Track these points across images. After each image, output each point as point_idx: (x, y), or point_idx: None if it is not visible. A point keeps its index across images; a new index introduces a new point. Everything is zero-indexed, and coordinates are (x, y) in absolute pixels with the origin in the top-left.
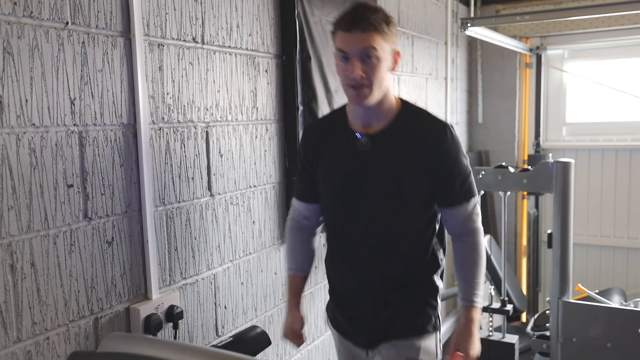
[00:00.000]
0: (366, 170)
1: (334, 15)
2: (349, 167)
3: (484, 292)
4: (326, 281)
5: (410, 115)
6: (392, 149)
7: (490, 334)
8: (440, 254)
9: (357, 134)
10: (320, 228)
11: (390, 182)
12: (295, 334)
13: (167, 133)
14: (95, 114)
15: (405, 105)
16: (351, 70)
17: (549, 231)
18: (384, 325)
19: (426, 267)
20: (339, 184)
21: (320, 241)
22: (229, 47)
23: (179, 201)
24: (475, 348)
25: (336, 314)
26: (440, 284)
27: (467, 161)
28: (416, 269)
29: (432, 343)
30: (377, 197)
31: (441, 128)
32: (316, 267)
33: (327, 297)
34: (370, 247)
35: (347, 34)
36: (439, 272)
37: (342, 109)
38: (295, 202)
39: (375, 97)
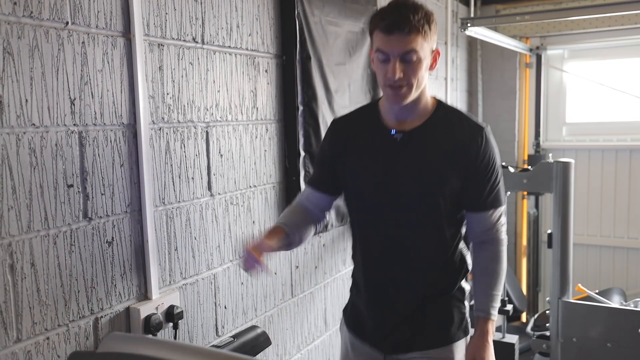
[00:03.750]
0: (398, 166)
1: (334, 15)
2: (381, 163)
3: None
4: (326, 281)
5: (446, 115)
6: (425, 146)
7: None
8: (468, 258)
9: (393, 130)
10: (320, 222)
11: (422, 179)
12: (256, 251)
13: (167, 133)
14: (95, 114)
15: (440, 104)
16: (391, 72)
17: (549, 231)
18: (413, 331)
19: (456, 271)
20: (368, 182)
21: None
22: (229, 47)
23: (179, 201)
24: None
25: (356, 315)
26: (467, 286)
27: (499, 169)
28: (446, 272)
29: (463, 351)
30: (409, 196)
31: (477, 130)
32: (316, 267)
33: (327, 297)
34: (401, 247)
35: (387, 36)
36: (467, 275)
37: (374, 105)
38: (305, 187)
39: (413, 97)
